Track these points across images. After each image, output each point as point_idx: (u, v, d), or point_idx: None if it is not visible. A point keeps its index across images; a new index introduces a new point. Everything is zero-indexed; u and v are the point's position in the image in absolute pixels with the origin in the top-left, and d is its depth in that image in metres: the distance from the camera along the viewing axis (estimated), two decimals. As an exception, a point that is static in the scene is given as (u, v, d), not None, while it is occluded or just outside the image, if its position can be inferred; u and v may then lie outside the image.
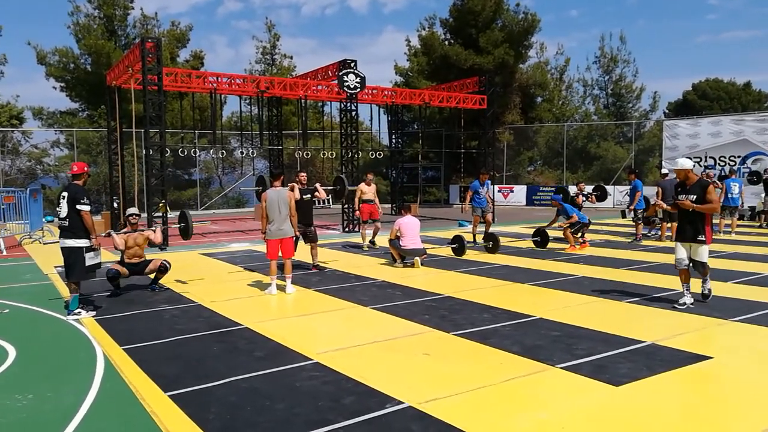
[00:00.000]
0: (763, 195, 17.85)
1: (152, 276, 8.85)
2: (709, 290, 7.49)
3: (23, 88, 75.40)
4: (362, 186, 13.39)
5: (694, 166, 7.45)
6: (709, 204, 7.07)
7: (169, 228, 12.87)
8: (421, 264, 10.71)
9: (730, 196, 15.41)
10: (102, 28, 28.66)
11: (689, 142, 23.49)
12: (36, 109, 29.47)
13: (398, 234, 10.81)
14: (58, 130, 28.86)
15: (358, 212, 13.57)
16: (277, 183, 8.80)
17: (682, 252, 7.28)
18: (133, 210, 9.12)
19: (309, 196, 10.34)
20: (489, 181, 14.31)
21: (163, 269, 8.79)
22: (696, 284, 7.57)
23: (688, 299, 7.22)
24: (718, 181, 17.27)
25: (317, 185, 10.72)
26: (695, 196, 7.10)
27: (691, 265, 7.30)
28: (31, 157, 28.09)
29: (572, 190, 14.93)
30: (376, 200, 13.44)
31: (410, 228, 10.85)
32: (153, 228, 9.37)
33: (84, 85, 28.29)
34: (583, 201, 13.91)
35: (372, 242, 13.48)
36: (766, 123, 21.99)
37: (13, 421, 4.16)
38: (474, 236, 13.66)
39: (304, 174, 10.65)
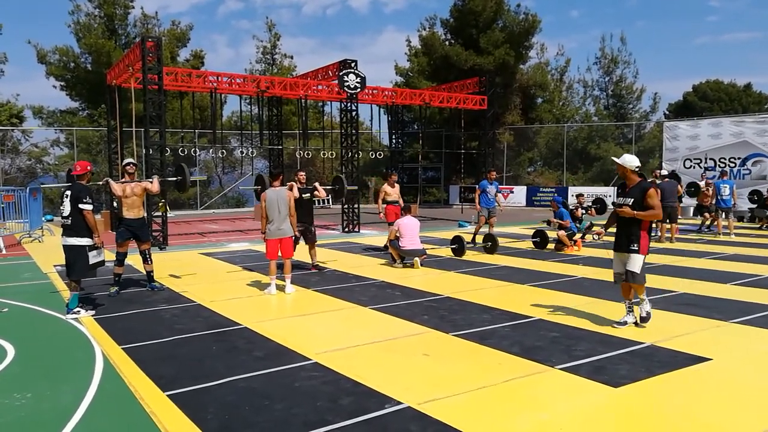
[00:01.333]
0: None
1: (147, 269, 8.83)
2: (648, 313, 6.39)
3: (23, 87, 75.37)
4: (386, 187, 12.71)
5: (639, 166, 6.53)
6: (650, 210, 6.21)
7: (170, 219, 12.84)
8: (421, 264, 10.71)
9: (720, 197, 15.38)
10: (102, 27, 28.67)
11: (689, 144, 23.47)
12: (36, 107, 29.50)
13: (398, 234, 10.80)
14: (58, 129, 28.88)
15: (382, 215, 12.71)
16: (276, 183, 8.78)
17: (618, 265, 6.43)
18: (130, 159, 9.05)
19: (308, 195, 10.33)
20: (497, 182, 14.05)
21: (144, 257, 8.71)
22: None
23: (629, 318, 6.41)
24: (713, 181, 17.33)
25: (316, 184, 10.70)
26: (633, 200, 6.28)
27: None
28: (31, 156, 28.11)
29: (571, 201, 14.93)
30: (401, 202, 12.66)
31: (409, 229, 10.85)
32: (150, 179, 9.19)
33: (84, 84, 28.30)
34: (583, 214, 13.83)
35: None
36: (766, 125, 21.97)
37: (12, 420, 4.16)
38: (474, 236, 13.57)
39: (303, 173, 10.62)
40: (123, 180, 8.78)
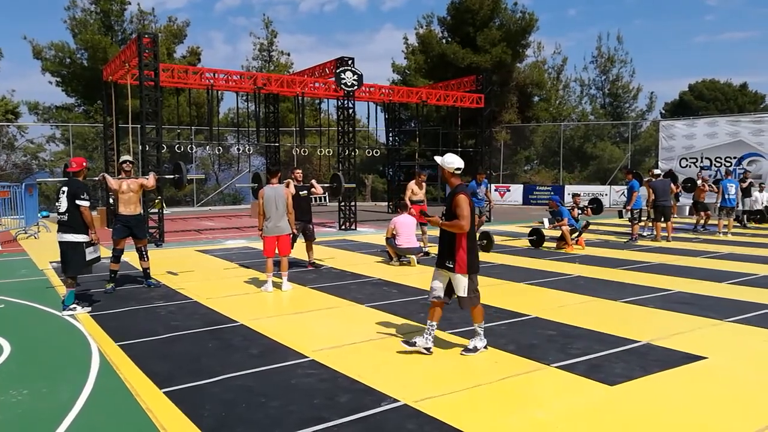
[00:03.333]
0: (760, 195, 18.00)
1: (143, 266, 8.83)
2: (475, 348, 5.39)
3: (19, 83, 75.01)
4: (413, 185, 11.93)
5: (460, 168, 5.46)
6: (455, 220, 5.25)
7: (164, 218, 12.81)
8: (417, 262, 10.72)
9: (727, 197, 15.42)
10: (98, 23, 28.58)
11: (685, 143, 23.56)
12: (32, 103, 29.41)
13: (394, 233, 10.80)
14: (54, 125, 28.79)
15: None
16: (274, 180, 8.76)
17: (436, 281, 5.51)
18: (127, 157, 9.00)
19: (305, 192, 10.33)
20: (486, 181, 14.18)
21: (140, 254, 8.71)
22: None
23: (424, 342, 5.39)
24: (713, 185, 17.37)
25: (313, 182, 10.69)
26: (445, 208, 5.53)
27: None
28: (27, 152, 28.02)
29: (568, 201, 14.93)
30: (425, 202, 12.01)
31: (406, 227, 10.85)
32: (147, 176, 9.10)
33: (80, 80, 28.21)
34: (579, 214, 13.85)
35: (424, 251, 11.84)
36: (762, 124, 22.06)
37: (9, 417, 4.15)
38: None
39: (300, 171, 10.62)
40: (120, 177, 8.74)
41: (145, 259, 8.78)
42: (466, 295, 5.33)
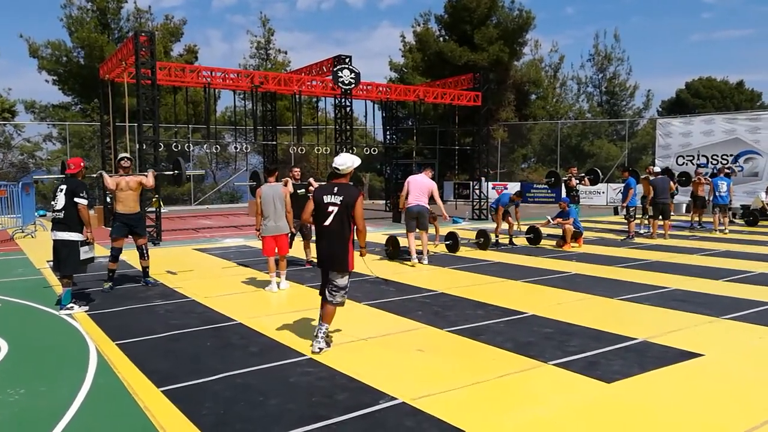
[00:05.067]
0: (763, 194, 18.04)
1: (143, 265, 8.82)
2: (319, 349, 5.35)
3: (15, 81, 74.85)
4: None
5: (351, 164, 5.59)
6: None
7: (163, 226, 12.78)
8: (422, 262, 10.54)
9: (718, 194, 15.49)
10: (95, 21, 28.47)
11: (682, 141, 23.60)
12: (28, 102, 29.29)
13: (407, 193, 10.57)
14: (51, 123, 28.70)
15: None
16: (271, 179, 8.71)
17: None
18: (125, 154, 8.93)
19: (303, 191, 10.30)
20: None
21: (141, 253, 8.68)
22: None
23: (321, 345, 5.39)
24: (711, 179, 17.43)
25: (311, 180, 10.67)
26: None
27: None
28: (24, 151, 27.94)
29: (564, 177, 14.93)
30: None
31: (415, 185, 10.55)
32: (145, 173, 9.00)
33: (77, 78, 28.12)
34: (577, 183, 13.79)
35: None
36: (758, 122, 22.10)
37: (6, 416, 4.15)
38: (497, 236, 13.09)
39: (298, 169, 10.57)
40: (119, 174, 8.64)
41: (146, 257, 8.75)
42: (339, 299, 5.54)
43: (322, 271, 5.60)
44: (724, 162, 22.17)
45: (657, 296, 7.76)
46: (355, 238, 5.57)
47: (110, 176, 8.57)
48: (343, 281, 5.47)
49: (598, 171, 15.02)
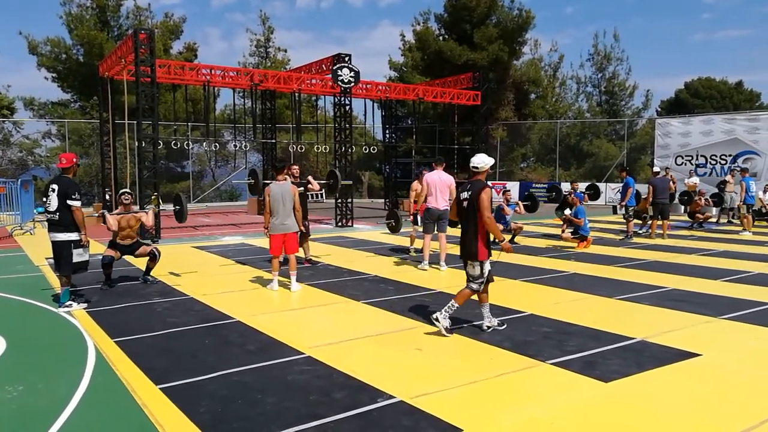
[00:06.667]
0: (761, 192, 18.05)
1: (145, 265, 8.83)
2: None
3: (14, 78, 74.78)
4: (416, 185, 10.99)
5: (487, 163, 6.09)
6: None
7: (162, 213, 12.79)
8: (440, 269, 9.85)
9: (749, 194, 15.38)
10: (94, 19, 28.45)
11: (681, 141, 23.62)
12: (27, 99, 29.28)
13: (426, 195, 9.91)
14: (50, 120, 28.67)
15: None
16: (280, 177, 8.50)
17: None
18: (126, 190, 9.04)
19: (302, 189, 10.24)
20: (513, 204, 13.82)
21: (153, 256, 8.75)
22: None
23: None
24: (711, 200, 17.46)
25: (309, 178, 10.53)
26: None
27: None
28: (23, 148, 27.90)
29: (565, 188, 15.03)
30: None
31: (435, 185, 9.82)
32: (146, 210, 9.14)
33: (76, 75, 28.10)
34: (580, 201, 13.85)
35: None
36: (757, 122, 22.13)
37: (4, 412, 4.15)
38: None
39: (297, 167, 10.50)
40: (118, 211, 8.71)
41: (156, 260, 8.83)
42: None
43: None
44: (723, 162, 22.22)
45: (655, 296, 7.77)
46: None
47: (111, 215, 8.56)
48: (475, 270, 5.98)
49: (599, 187, 15.13)
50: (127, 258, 9.06)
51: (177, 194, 9.98)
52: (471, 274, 6.02)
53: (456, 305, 5.99)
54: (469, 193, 5.94)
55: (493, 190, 6.49)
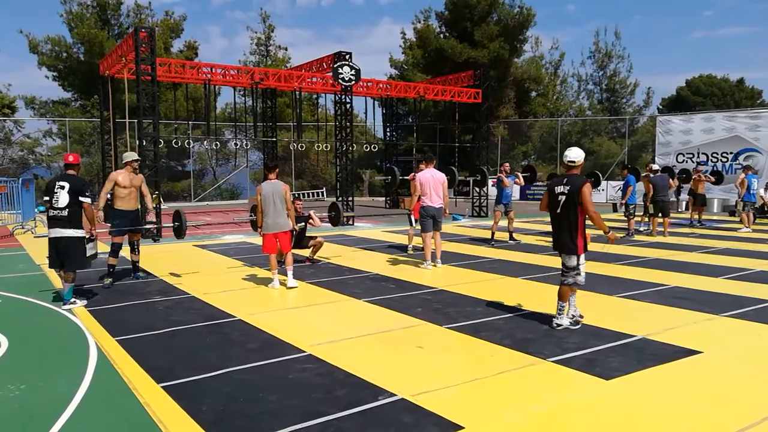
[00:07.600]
0: (762, 190, 18.05)
1: (133, 259, 8.96)
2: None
3: (15, 77, 75.04)
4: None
5: (582, 157, 6.27)
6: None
7: (163, 213, 12.77)
8: (436, 265, 9.94)
9: (751, 192, 15.35)
10: (95, 17, 28.46)
11: (682, 138, 23.61)
12: (28, 98, 29.32)
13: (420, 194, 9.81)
14: (51, 119, 28.70)
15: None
16: (271, 176, 8.58)
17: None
18: (137, 156, 9.01)
19: (302, 224, 10.15)
20: (513, 176, 13.61)
21: (133, 247, 8.84)
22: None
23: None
24: (711, 176, 17.45)
25: (311, 213, 10.47)
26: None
27: None
28: (24, 147, 27.93)
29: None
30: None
31: (428, 184, 9.70)
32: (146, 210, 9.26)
33: (77, 74, 28.12)
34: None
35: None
36: (759, 120, 22.10)
37: (6, 411, 4.16)
38: (493, 233, 12.93)
39: (301, 203, 10.51)
40: (127, 171, 8.69)
41: (136, 252, 8.95)
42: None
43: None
44: (725, 160, 22.20)
45: (656, 293, 7.77)
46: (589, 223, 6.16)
47: (119, 175, 8.59)
48: (571, 262, 6.09)
49: (599, 174, 15.06)
50: (128, 256, 9.05)
51: (176, 211, 9.79)
52: (567, 264, 6.14)
53: (563, 304, 6.16)
54: (567, 187, 6.04)
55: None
